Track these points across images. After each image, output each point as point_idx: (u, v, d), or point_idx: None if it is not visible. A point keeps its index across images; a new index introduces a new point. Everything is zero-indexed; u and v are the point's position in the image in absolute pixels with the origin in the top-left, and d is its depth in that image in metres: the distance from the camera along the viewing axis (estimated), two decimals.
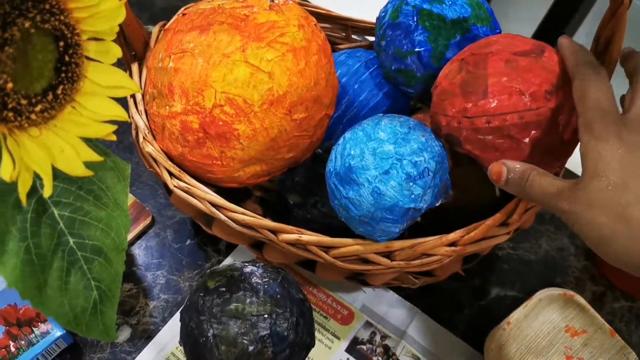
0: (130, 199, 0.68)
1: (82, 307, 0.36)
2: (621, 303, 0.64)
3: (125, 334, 0.60)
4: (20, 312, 0.57)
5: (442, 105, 0.48)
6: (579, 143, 0.40)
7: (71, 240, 0.36)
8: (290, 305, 0.43)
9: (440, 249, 0.50)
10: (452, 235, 0.49)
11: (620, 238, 0.36)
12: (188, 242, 0.66)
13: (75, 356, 0.59)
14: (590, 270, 0.66)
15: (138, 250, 0.66)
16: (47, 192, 0.32)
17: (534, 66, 0.45)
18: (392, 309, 0.62)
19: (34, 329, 0.56)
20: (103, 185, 0.38)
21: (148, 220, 0.67)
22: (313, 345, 0.45)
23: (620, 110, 0.41)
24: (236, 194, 0.63)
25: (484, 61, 0.46)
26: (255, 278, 0.43)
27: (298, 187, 0.56)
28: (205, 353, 0.40)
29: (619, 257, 0.37)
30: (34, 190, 0.36)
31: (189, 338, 0.42)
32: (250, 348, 0.40)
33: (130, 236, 0.65)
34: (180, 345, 0.43)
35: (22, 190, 0.32)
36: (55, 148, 0.33)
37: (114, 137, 0.35)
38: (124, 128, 0.74)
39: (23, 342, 0.55)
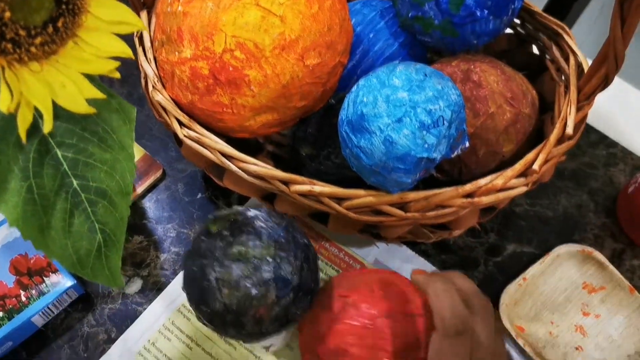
0: (141, 152, 0.67)
1: (86, 250, 0.36)
2: None
3: (136, 285, 0.60)
4: (31, 261, 0.56)
5: None
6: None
7: (75, 182, 0.36)
8: (295, 250, 0.42)
9: (457, 200, 0.48)
10: (469, 187, 0.48)
11: None
12: (199, 195, 0.66)
13: (87, 306, 0.58)
14: (610, 228, 0.64)
15: (149, 204, 0.65)
16: (46, 127, 0.31)
17: None
18: (406, 264, 0.61)
19: (45, 278, 0.56)
20: (108, 127, 0.37)
21: (159, 173, 0.66)
22: (317, 291, 0.44)
23: None
24: (248, 148, 0.62)
25: None
26: (259, 222, 0.42)
27: (311, 138, 0.54)
28: (207, 297, 0.39)
29: None
30: (36, 130, 0.35)
31: (191, 282, 0.41)
32: (254, 291, 0.39)
33: (140, 189, 0.64)
34: (184, 291, 0.42)
35: (22, 127, 0.31)
36: (57, 83, 0.32)
37: (117, 75, 0.34)
38: (133, 79, 0.73)
39: (34, 292, 0.55)
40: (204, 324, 0.41)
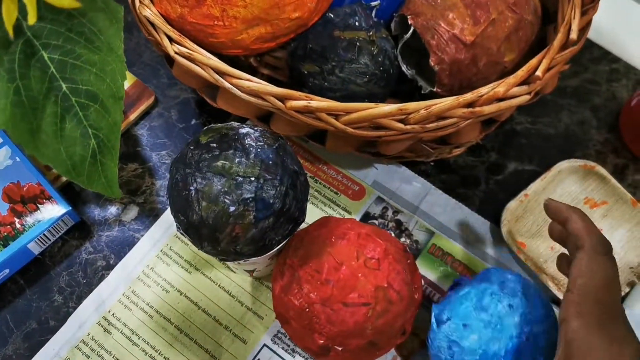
0: (132, 78, 0.65)
1: (80, 156, 0.34)
2: None
3: (132, 212, 0.59)
4: (24, 189, 0.55)
5: None
6: (566, 325, 0.39)
7: (64, 86, 0.34)
8: (282, 174, 0.40)
9: (457, 110, 0.47)
10: (469, 96, 0.46)
11: None
12: (193, 121, 0.64)
13: (84, 234, 0.58)
14: (613, 143, 0.63)
15: (142, 131, 0.63)
16: (31, 19, 0.29)
17: None
18: (405, 185, 0.60)
19: (39, 205, 0.55)
20: (94, 27, 0.35)
21: (151, 100, 0.64)
22: (302, 221, 0.43)
23: None
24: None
25: None
26: (249, 140, 0.41)
27: (313, 54, 0.52)
28: (186, 207, 0.38)
29: None
30: (21, 32, 0.33)
31: (173, 190, 0.40)
32: (232, 208, 0.38)
33: (133, 116, 0.63)
34: (166, 198, 0.41)
35: (8, 21, 0.29)
36: None
37: None
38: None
39: (29, 219, 0.54)
40: (181, 233, 0.40)
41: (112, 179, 0.36)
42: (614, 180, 0.57)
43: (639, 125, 0.60)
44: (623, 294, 0.54)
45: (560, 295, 0.53)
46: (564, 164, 0.58)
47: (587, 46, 0.69)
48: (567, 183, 0.59)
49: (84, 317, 0.54)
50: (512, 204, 0.57)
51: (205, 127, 0.42)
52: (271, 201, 0.39)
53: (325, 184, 0.60)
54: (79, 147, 0.34)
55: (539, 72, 0.47)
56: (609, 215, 0.57)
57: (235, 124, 0.43)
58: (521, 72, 0.47)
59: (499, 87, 0.46)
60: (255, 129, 0.42)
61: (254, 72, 0.65)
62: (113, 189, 0.36)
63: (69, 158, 0.34)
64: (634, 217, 0.56)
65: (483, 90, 0.47)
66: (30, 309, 0.54)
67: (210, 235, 0.39)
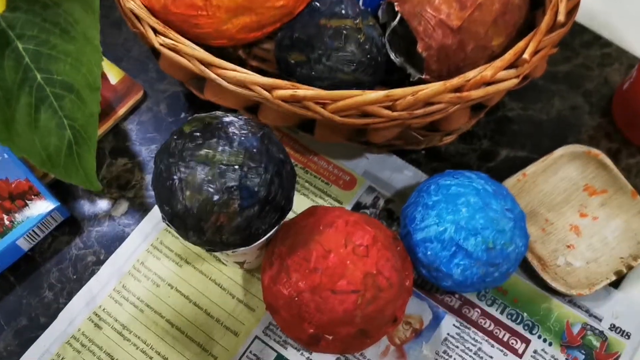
0: (120, 74, 0.64)
1: (55, 147, 0.34)
2: (637, 158, 0.61)
3: (122, 207, 0.58)
4: (12, 186, 0.55)
5: None
6: None
7: (39, 76, 0.34)
8: (266, 162, 0.40)
9: (445, 95, 0.46)
10: (457, 80, 0.46)
11: None
12: (183, 115, 0.64)
13: (74, 230, 0.57)
14: (605, 128, 0.62)
15: (131, 126, 0.63)
16: (0, 6, 0.29)
17: None
18: (396, 174, 0.60)
19: (28, 202, 0.54)
20: (70, 17, 0.35)
21: (140, 94, 0.64)
22: (289, 210, 0.43)
23: None
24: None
25: None
26: (233, 128, 0.40)
27: (299, 43, 0.52)
28: (170, 197, 0.38)
29: None
30: None
31: (157, 180, 0.39)
32: (216, 197, 0.37)
33: (122, 111, 0.62)
34: (152, 189, 0.41)
35: None
36: None
37: None
38: (110, 2, 0.71)
39: (17, 215, 0.54)
40: (167, 224, 0.40)
41: (90, 172, 0.35)
42: (616, 170, 0.56)
43: (631, 109, 0.59)
44: (609, 282, 0.53)
45: (544, 276, 0.53)
46: (567, 149, 0.57)
47: (579, 31, 0.68)
48: (568, 168, 0.58)
49: (75, 312, 0.54)
50: (510, 181, 0.57)
51: (190, 117, 0.42)
52: (256, 189, 0.39)
53: (316, 175, 0.60)
54: (54, 137, 0.34)
55: (526, 55, 0.46)
56: (607, 204, 0.56)
57: (219, 113, 0.42)
58: (508, 56, 0.46)
59: (486, 71, 0.46)
60: (240, 117, 0.42)
61: (242, 64, 0.64)
62: (92, 182, 0.36)
63: (44, 149, 0.33)
64: (631, 209, 0.56)
65: (470, 74, 0.46)
66: (20, 305, 0.54)
67: (195, 224, 0.39)
